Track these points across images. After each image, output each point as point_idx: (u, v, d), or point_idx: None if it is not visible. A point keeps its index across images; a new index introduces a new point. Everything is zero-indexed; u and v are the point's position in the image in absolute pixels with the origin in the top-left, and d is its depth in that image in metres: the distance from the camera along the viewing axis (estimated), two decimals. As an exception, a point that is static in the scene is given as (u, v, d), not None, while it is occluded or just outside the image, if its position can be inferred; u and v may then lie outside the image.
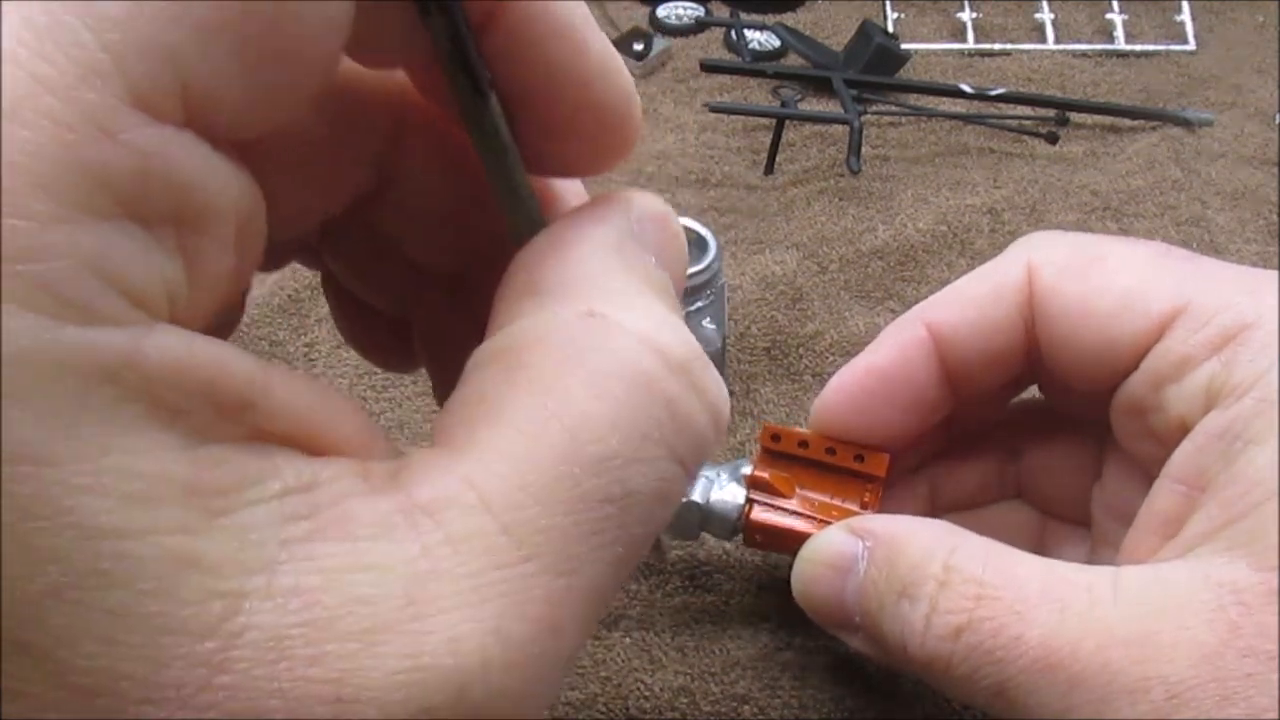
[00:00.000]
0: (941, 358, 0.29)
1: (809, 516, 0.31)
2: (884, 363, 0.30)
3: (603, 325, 0.16)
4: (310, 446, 0.15)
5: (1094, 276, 0.27)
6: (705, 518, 0.32)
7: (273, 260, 0.22)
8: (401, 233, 0.22)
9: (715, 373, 0.17)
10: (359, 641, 0.14)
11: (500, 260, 0.19)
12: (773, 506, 0.31)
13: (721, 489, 0.32)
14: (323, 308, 0.44)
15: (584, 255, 0.17)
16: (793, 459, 0.32)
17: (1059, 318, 0.28)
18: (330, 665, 0.13)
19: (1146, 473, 0.27)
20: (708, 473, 0.32)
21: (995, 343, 0.29)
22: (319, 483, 0.15)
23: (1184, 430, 0.25)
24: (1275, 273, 0.26)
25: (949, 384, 0.30)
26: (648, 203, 0.19)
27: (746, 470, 0.32)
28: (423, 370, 0.25)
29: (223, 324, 0.16)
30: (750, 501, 0.31)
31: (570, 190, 0.21)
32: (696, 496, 0.31)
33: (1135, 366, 0.27)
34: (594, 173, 0.20)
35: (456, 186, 0.21)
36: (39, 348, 0.13)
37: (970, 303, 0.29)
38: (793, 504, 0.31)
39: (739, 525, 0.31)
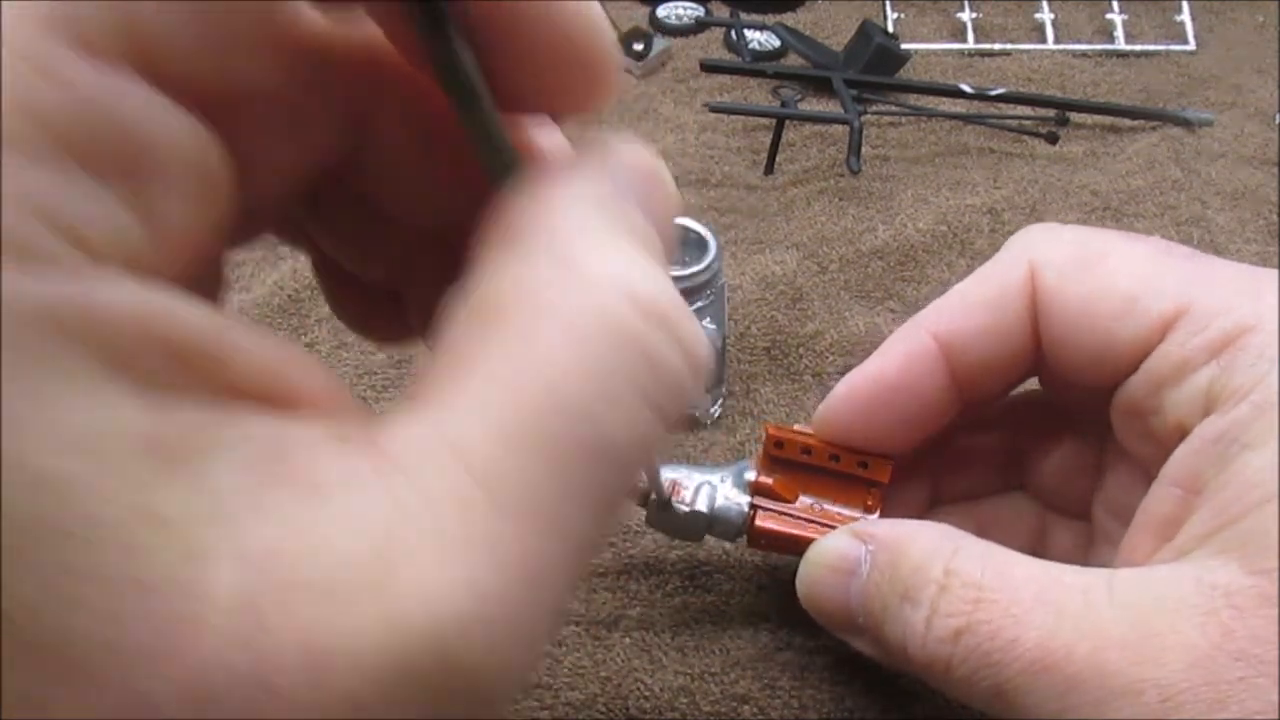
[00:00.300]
0: (949, 366, 0.29)
1: (813, 521, 0.31)
2: (891, 374, 0.29)
3: (579, 274, 0.16)
4: (276, 403, 0.15)
5: (1095, 277, 0.27)
6: (710, 524, 0.32)
7: (252, 228, 0.21)
8: (385, 195, 0.21)
9: (695, 321, 0.17)
10: (330, 598, 0.13)
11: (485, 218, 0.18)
12: (777, 513, 0.31)
13: (726, 496, 0.32)
14: (323, 308, 0.44)
15: (562, 205, 0.17)
16: (796, 464, 0.32)
17: (1060, 319, 0.27)
18: (301, 623, 0.13)
19: (1146, 473, 0.27)
20: (710, 478, 0.32)
21: (1003, 348, 0.29)
22: (286, 438, 0.14)
23: (1182, 433, 0.25)
24: (1276, 272, 0.26)
25: (956, 391, 0.30)
26: (633, 153, 0.18)
27: (750, 475, 0.32)
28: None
29: (198, 291, 0.15)
30: (754, 508, 0.31)
31: (553, 140, 0.20)
32: (701, 505, 0.31)
33: (1135, 368, 0.27)
34: (577, 111, 0.19)
35: (436, 142, 0.20)
36: None
37: (976, 309, 0.29)
38: (796, 509, 0.31)
39: (743, 530, 0.31)
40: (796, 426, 0.32)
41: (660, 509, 0.31)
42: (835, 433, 0.31)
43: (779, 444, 0.31)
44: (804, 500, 0.32)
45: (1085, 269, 0.27)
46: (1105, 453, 0.30)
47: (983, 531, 0.28)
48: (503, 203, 0.17)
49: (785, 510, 0.31)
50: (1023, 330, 0.28)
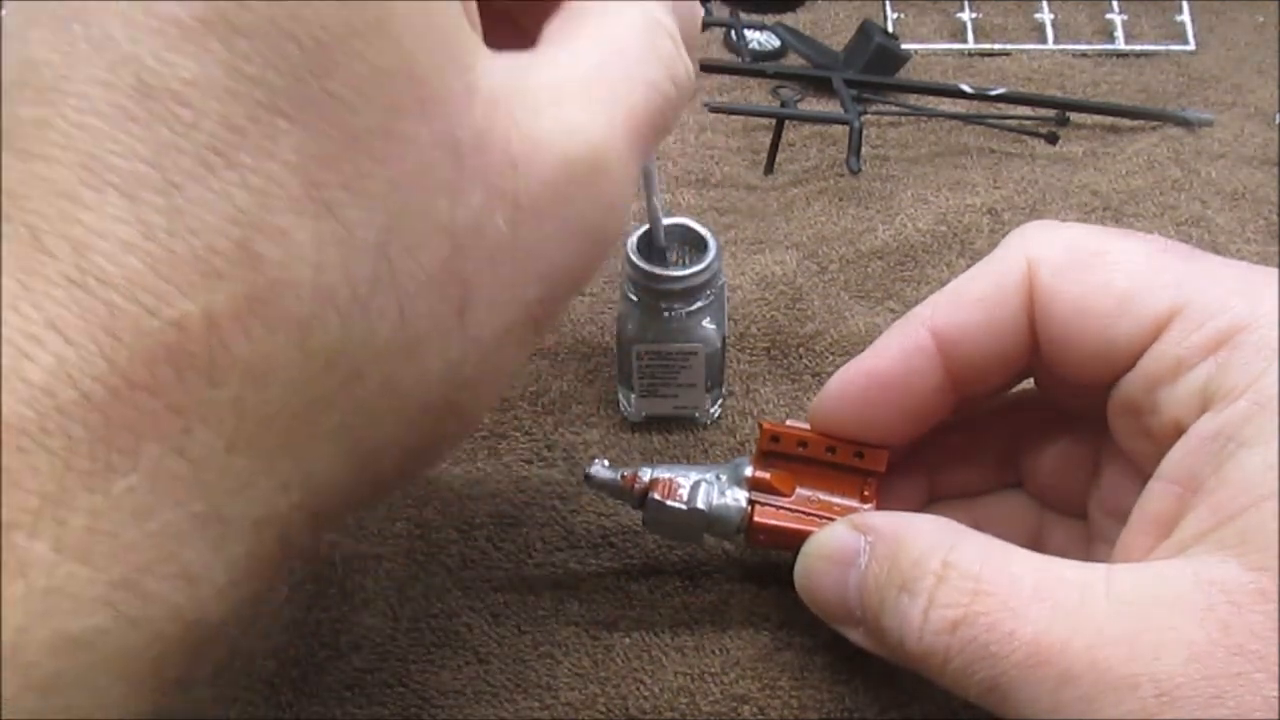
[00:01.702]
0: (946, 362, 0.29)
1: (810, 514, 0.31)
2: (887, 368, 0.30)
3: (628, 4, 0.25)
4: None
5: (1092, 275, 0.27)
6: (709, 522, 0.32)
7: None
8: None
9: (685, 51, 0.25)
10: (536, 113, 0.21)
11: None
12: (775, 507, 0.31)
13: (723, 493, 0.32)
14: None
15: None
16: (792, 458, 0.32)
17: (1057, 316, 0.28)
18: (523, 122, 0.21)
19: (1142, 471, 0.27)
20: (708, 476, 0.32)
21: (1000, 345, 0.29)
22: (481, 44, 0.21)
23: (1179, 431, 0.25)
24: (1274, 270, 0.26)
25: (951, 386, 0.30)
26: None
27: (747, 471, 0.32)
28: None
29: None
30: (752, 503, 0.31)
31: None
32: (699, 502, 0.31)
33: (1131, 366, 0.27)
34: None
35: None
36: None
37: (974, 305, 0.29)
38: (793, 502, 0.31)
39: (742, 526, 0.31)
40: (789, 422, 0.32)
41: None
42: (830, 425, 0.31)
43: (775, 438, 0.32)
44: (801, 493, 0.32)
45: (1082, 266, 0.27)
46: (1101, 451, 0.30)
47: (980, 528, 0.28)
48: None
49: (783, 504, 0.31)
50: (1019, 327, 0.28)
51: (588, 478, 0.32)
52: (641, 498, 0.32)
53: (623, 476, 0.32)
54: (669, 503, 0.31)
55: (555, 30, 0.24)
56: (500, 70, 0.21)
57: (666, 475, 0.32)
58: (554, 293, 0.22)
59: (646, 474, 0.32)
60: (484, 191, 0.20)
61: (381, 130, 0.18)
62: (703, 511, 0.31)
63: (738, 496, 0.32)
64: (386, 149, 0.18)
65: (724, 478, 0.32)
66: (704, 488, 0.32)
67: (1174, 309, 0.26)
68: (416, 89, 0.19)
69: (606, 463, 0.32)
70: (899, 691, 0.32)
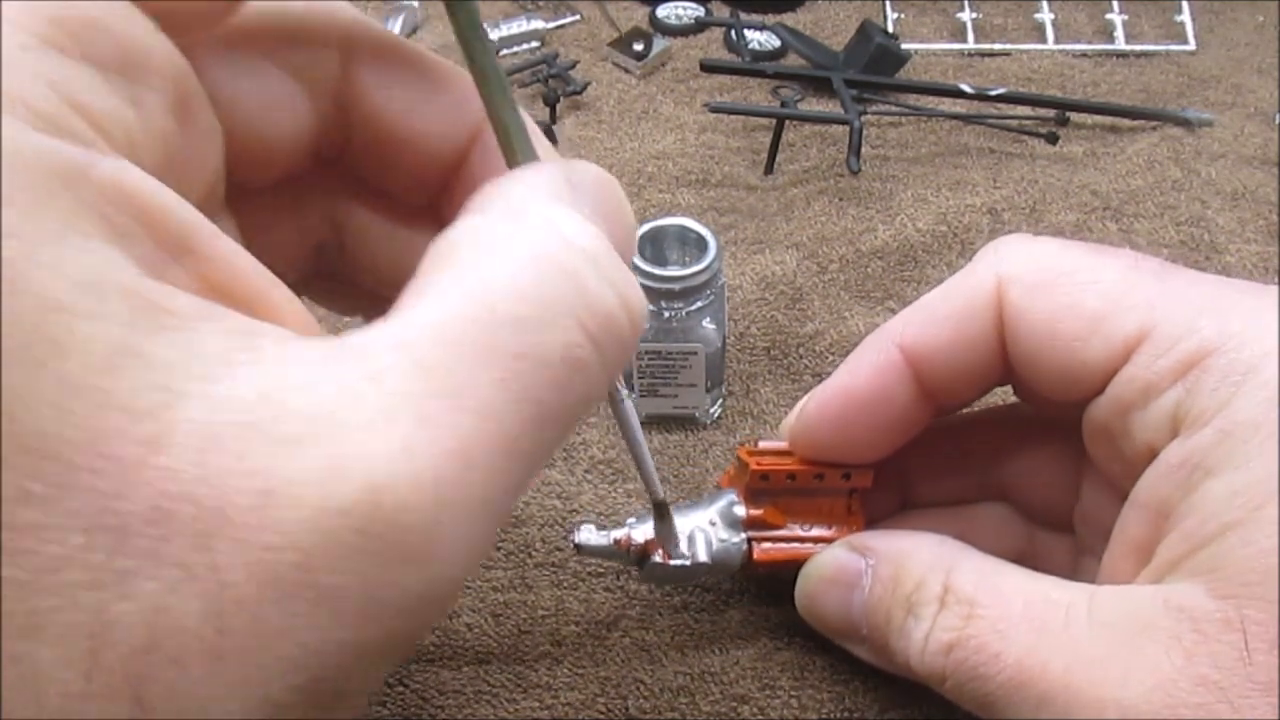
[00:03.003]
0: (917, 378, 0.29)
1: (807, 539, 0.31)
2: (860, 387, 0.29)
3: (523, 221, 0.19)
4: (253, 311, 0.17)
5: (1061, 295, 0.27)
6: (710, 570, 0.32)
7: (265, 188, 0.25)
8: (371, 166, 0.25)
9: (630, 275, 0.20)
10: (284, 445, 0.15)
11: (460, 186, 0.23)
12: (772, 539, 0.32)
13: (721, 538, 0.32)
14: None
15: (520, 186, 0.20)
16: (780, 490, 0.32)
17: (1027, 337, 0.27)
18: (257, 462, 0.15)
19: (1120, 491, 0.27)
20: (699, 522, 0.32)
21: (970, 361, 0.29)
22: (259, 329, 0.16)
23: (1152, 455, 0.25)
24: (1244, 284, 0.26)
25: (926, 401, 0.30)
26: (585, 166, 0.21)
27: (740, 511, 0.32)
28: None
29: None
30: (750, 541, 0.32)
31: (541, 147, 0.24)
32: (701, 554, 0.31)
33: (1102, 389, 0.27)
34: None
35: (415, 111, 0.24)
36: (11, 143, 0.15)
37: (944, 322, 0.29)
38: (788, 531, 0.32)
39: (742, 563, 0.32)
40: (763, 443, 0.32)
41: (658, 517, 0.31)
42: (808, 447, 0.31)
43: (764, 477, 0.31)
44: (792, 519, 0.32)
45: (1052, 286, 0.27)
46: (1083, 467, 0.30)
47: (969, 539, 0.28)
48: (475, 194, 0.20)
49: (779, 535, 0.32)
50: (989, 344, 0.28)
51: (578, 548, 0.32)
52: (640, 559, 0.32)
53: (616, 541, 0.32)
54: (673, 563, 0.31)
55: (417, 281, 0.18)
56: (255, 382, 0.15)
57: (656, 533, 0.32)
58: (323, 678, 0.16)
59: (640, 535, 0.32)
60: (168, 573, 0.14)
61: None
62: (706, 564, 0.32)
63: (735, 539, 0.32)
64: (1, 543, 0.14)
65: (718, 523, 0.32)
66: (701, 538, 0.32)
67: (1143, 331, 0.26)
68: (39, 463, 0.14)
69: (594, 528, 0.32)
70: (899, 691, 0.32)
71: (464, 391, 0.17)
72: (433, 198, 0.25)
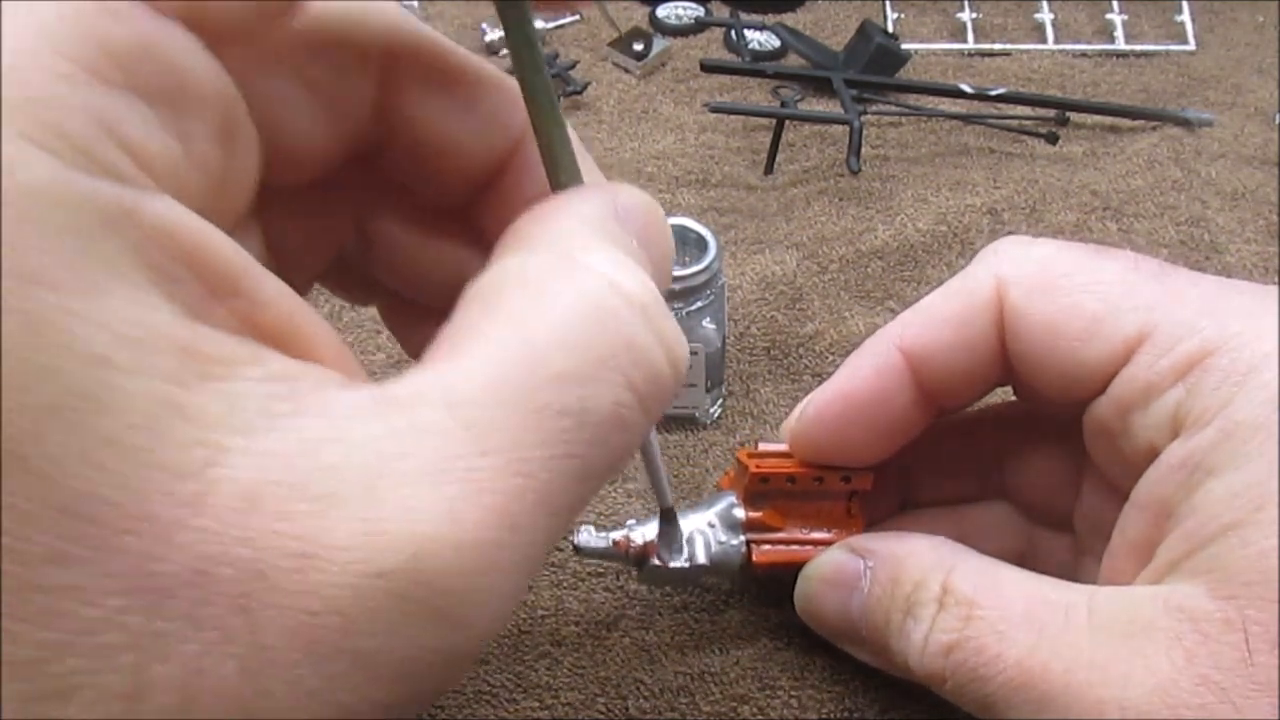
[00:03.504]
0: (917, 380, 0.29)
1: (805, 542, 0.31)
2: (859, 389, 0.29)
3: (572, 266, 0.18)
4: (292, 351, 0.17)
5: (1061, 297, 0.27)
6: (710, 572, 0.32)
7: (298, 190, 0.24)
8: (405, 172, 0.24)
9: (675, 324, 0.19)
10: (326, 504, 0.15)
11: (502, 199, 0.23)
12: (771, 542, 0.32)
13: (721, 540, 0.32)
14: (326, 304, 0.44)
15: (567, 220, 0.19)
16: (780, 492, 0.32)
17: (1026, 338, 0.27)
18: (298, 522, 0.15)
19: (1121, 491, 0.27)
20: (699, 524, 0.32)
21: (970, 362, 0.29)
22: (302, 373, 0.16)
23: (1153, 455, 0.25)
24: (1245, 285, 0.26)
25: (926, 402, 0.30)
26: (631, 192, 0.21)
27: (739, 514, 0.32)
28: None
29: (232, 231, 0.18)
30: (749, 544, 0.32)
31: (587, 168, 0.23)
32: (700, 555, 0.31)
33: (1103, 389, 0.27)
34: None
35: (455, 119, 0.23)
36: (51, 184, 0.14)
37: (943, 323, 0.29)
38: (787, 533, 0.32)
39: (741, 566, 0.32)
40: (763, 445, 0.32)
41: (664, 521, 0.31)
42: (808, 449, 0.31)
43: (764, 480, 0.31)
44: (792, 521, 0.32)
45: (1051, 287, 0.27)
46: (1083, 466, 0.30)
47: (969, 539, 0.28)
48: (519, 219, 0.20)
49: (778, 538, 0.32)
50: (989, 346, 0.28)
51: (577, 549, 0.32)
52: (639, 561, 0.32)
53: (615, 543, 0.31)
54: (672, 565, 0.31)
55: (460, 322, 0.18)
56: (296, 435, 0.15)
57: (657, 533, 0.32)
58: None
59: (639, 536, 0.32)
60: (206, 635, 0.14)
61: (22, 584, 0.13)
62: (705, 565, 0.31)
63: (735, 541, 0.32)
64: (36, 605, 0.14)
65: (717, 525, 0.32)
66: (700, 540, 0.32)
67: (1143, 332, 0.26)
68: (77, 525, 0.14)
69: (593, 529, 0.32)
70: (899, 692, 0.32)
71: (509, 450, 0.16)
72: (467, 205, 0.25)
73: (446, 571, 0.15)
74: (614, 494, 0.38)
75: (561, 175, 0.21)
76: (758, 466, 0.31)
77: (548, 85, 0.20)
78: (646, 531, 0.31)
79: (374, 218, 0.25)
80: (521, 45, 0.20)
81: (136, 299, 0.15)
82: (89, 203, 0.14)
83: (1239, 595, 0.22)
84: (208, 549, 0.14)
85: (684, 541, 0.32)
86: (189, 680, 0.14)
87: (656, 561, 0.31)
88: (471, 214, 0.25)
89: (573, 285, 0.18)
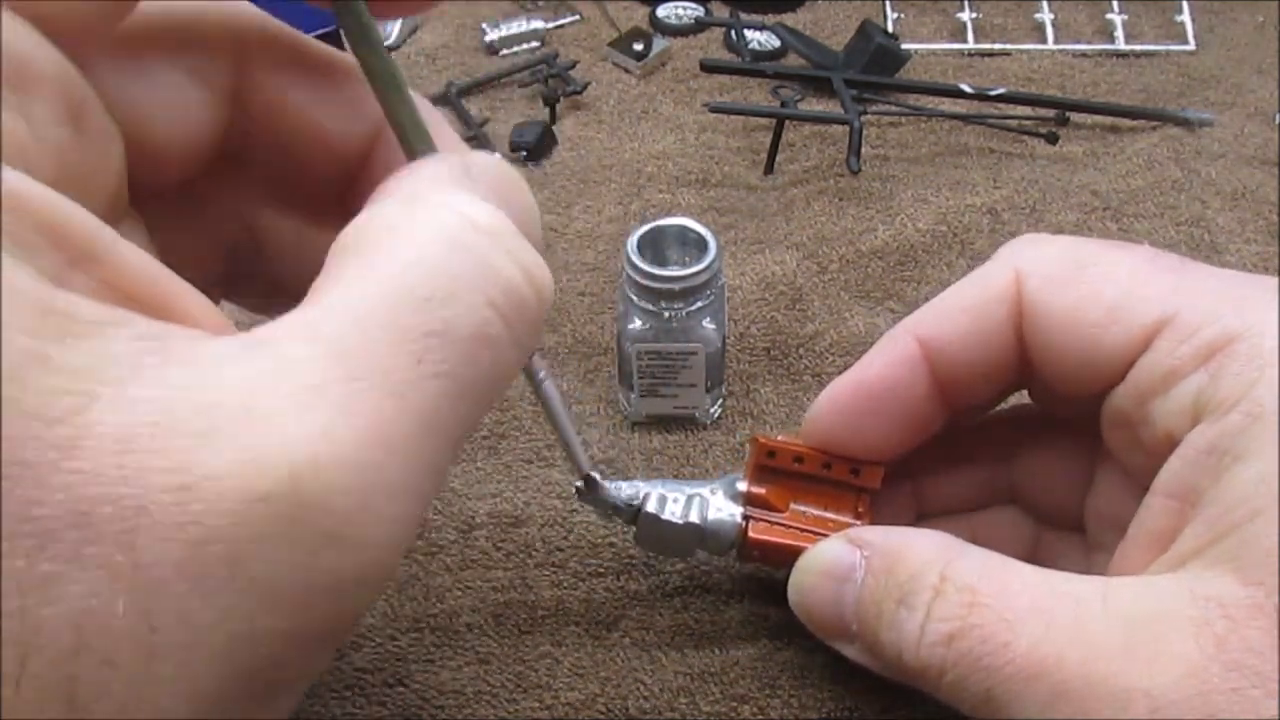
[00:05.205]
0: (933, 372, 0.29)
1: (805, 530, 0.31)
2: (876, 379, 0.29)
3: (422, 204, 0.19)
4: (165, 317, 0.17)
5: (1080, 286, 0.27)
6: (703, 537, 0.32)
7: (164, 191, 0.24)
8: (276, 166, 0.25)
9: (535, 254, 0.20)
10: (200, 439, 0.15)
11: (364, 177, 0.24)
12: (769, 522, 0.31)
13: (719, 508, 0.32)
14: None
15: (420, 177, 0.20)
16: (787, 473, 0.31)
17: (1045, 328, 0.27)
18: (173, 458, 0.15)
19: (1137, 482, 0.27)
20: (702, 490, 0.32)
21: (987, 354, 0.29)
22: (168, 330, 0.16)
23: (1172, 443, 0.25)
24: (1263, 279, 0.26)
25: (941, 397, 0.30)
26: (485, 156, 0.22)
27: (741, 486, 0.32)
28: None
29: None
30: (747, 519, 0.31)
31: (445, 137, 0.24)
32: (694, 516, 0.31)
33: (1122, 377, 0.26)
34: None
35: (317, 107, 0.24)
36: None
37: (960, 314, 0.29)
38: (788, 518, 0.31)
39: (736, 542, 0.31)
40: (782, 436, 0.32)
41: (586, 491, 0.31)
42: (823, 438, 0.31)
43: (770, 453, 0.31)
44: (796, 509, 0.31)
45: (1069, 278, 0.27)
46: (1096, 463, 0.30)
47: (974, 541, 0.28)
48: (380, 186, 0.21)
49: (778, 520, 0.31)
50: (1006, 337, 0.28)
51: (578, 492, 0.32)
52: (635, 513, 0.32)
53: (618, 489, 0.32)
54: (664, 516, 0.31)
55: (325, 272, 0.19)
56: (167, 381, 0.15)
57: (659, 490, 0.32)
58: (257, 668, 0.16)
59: (640, 489, 0.32)
60: (92, 574, 0.14)
61: None
62: (697, 526, 0.31)
63: (733, 511, 0.31)
64: None
65: (718, 492, 0.32)
66: (698, 502, 0.32)
67: (1163, 319, 0.26)
68: None
69: (598, 475, 0.32)
70: (900, 692, 0.31)
71: (379, 372, 0.17)
72: (340, 195, 0.26)
73: (328, 490, 0.16)
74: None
75: (416, 145, 0.22)
76: (765, 439, 0.31)
77: (388, 64, 0.22)
78: (649, 489, 0.32)
79: (258, 215, 0.26)
80: (354, 30, 0.21)
81: None
82: None
83: (1269, 581, 0.21)
84: (86, 490, 0.14)
85: (682, 500, 0.32)
86: (80, 620, 0.14)
87: (651, 510, 0.31)
88: (348, 201, 0.25)
89: (427, 220, 0.19)
